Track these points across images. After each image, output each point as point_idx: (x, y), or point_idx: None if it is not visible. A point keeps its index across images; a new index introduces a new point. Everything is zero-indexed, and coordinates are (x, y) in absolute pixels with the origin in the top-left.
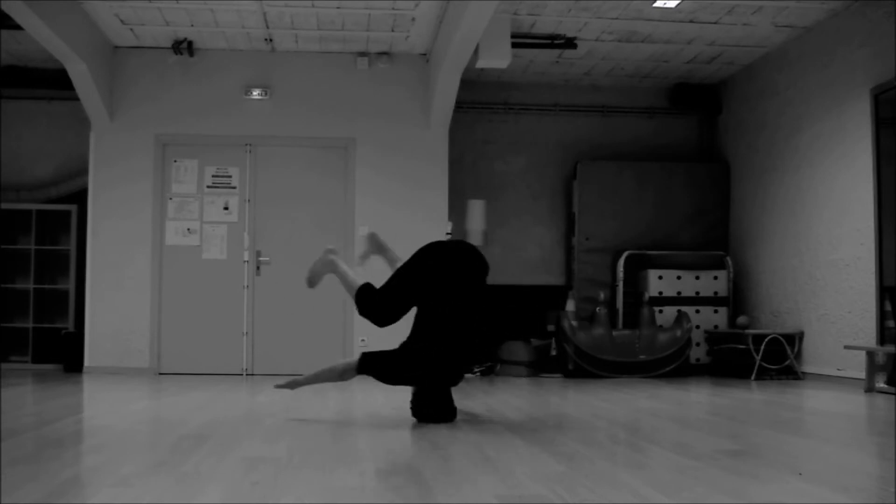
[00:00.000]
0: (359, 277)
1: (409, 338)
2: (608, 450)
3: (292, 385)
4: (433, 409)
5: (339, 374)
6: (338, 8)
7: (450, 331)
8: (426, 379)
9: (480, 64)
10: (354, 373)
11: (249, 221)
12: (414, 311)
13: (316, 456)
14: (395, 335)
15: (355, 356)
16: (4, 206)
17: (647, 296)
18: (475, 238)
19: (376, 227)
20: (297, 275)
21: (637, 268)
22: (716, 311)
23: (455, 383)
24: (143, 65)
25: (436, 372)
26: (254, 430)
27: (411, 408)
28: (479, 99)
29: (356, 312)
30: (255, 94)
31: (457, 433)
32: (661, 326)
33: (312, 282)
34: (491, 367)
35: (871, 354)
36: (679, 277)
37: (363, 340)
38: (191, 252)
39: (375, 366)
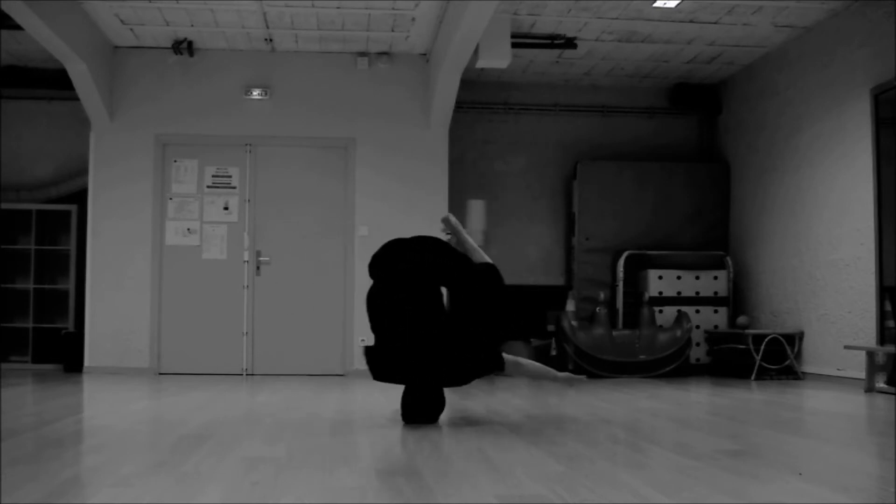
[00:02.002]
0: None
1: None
2: (608, 450)
3: None
4: (410, 406)
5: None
6: (338, 8)
7: (396, 330)
8: (393, 377)
9: (480, 64)
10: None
11: (249, 221)
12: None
13: (316, 456)
14: None
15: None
16: (4, 206)
17: (647, 296)
18: (475, 238)
19: (376, 227)
20: (298, 275)
21: (637, 268)
22: (716, 311)
23: (453, 384)
24: (143, 65)
25: (393, 370)
26: (254, 430)
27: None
28: (479, 99)
29: (356, 314)
30: (255, 94)
31: (457, 433)
32: (661, 326)
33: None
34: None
35: (871, 354)
36: (679, 277)
37: (363, 340)
38: (191, 252)
39: (367, 359)
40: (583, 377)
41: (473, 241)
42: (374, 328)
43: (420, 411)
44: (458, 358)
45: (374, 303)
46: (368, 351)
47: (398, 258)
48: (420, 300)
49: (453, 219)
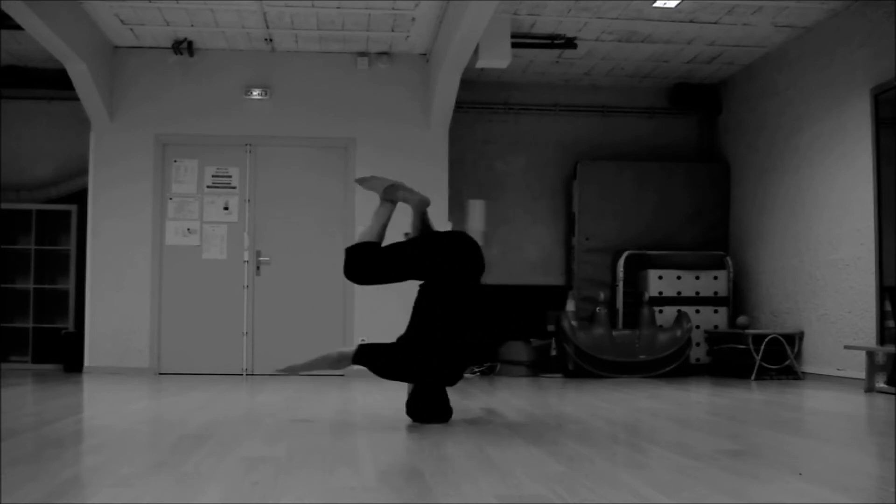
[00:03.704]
0: (377, 234)
1: (405, 332)
2: (608, 450)
3: (289, 371)
4: (427, 407)
5: (335, 363)
6: (338, 8)
7: (444, 328)
8: (420, 376)
9: (480, 64)
10: (349, 362)
11: (249, 221)
12: (410, 305)
13: (316, 456)
14: (395, 334)
15: (353, 346)
16: (4, 206)
17: (647, 296)
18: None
19: None
20: (298, 275)
21: (637, 268)
22: (716, 311)
23: (451, 383)
24: (143, 65)
25: (430, 369)
26: (254, 430)
27: (407, 406)
28: (479, 99)
29: (356, 314)
30: (255, 94)
31: (457, 433)
32: (661, 326)
33: (363, 182)
34: (491, 367)
35: (871, 354)
36: (679, 277)
37: (363, 340)
38: (191, 252)
39: (371, 358)
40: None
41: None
42: (423, 323)
43: (437, 411)
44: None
45: (440, 298)
46: (373, 350)
47: (467, 256)
48: (464, 302)
49: (361, 184)
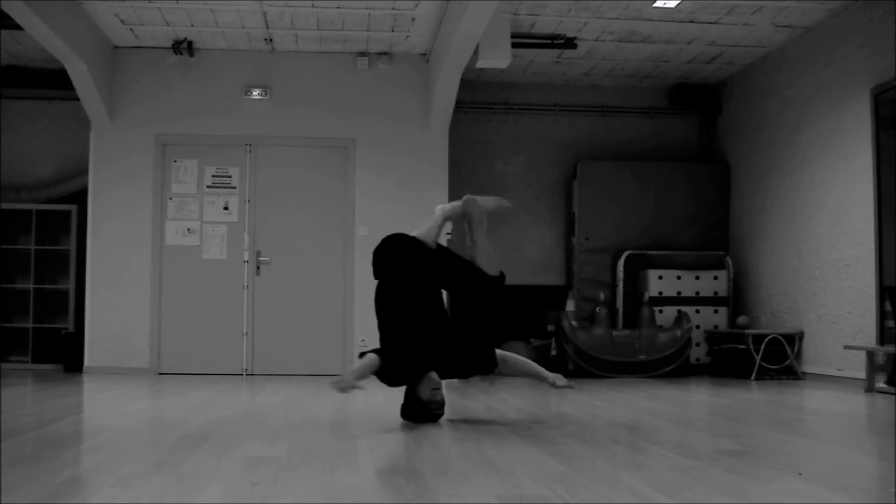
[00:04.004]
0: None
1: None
2: (608, 450)
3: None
4: (404, 404)
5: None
6: (338, 8)
7: (396, 331)
8: (404, 380)
9: (480, 64)
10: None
11: (249, 221)
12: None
13: (316, 456)
14: None
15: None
16: (4, 206)
17: (647, 296)
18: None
19: (376, 227)
20: (298, 275)
21: (637, 268)
22: (716, 311)
23: (456, 376)
24: (143, 65)
25: (405, 373)
26: (254, 430)
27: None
28: (479, 99)
29: (356, 314)
30: (255, 94)
31: (457, 433)
32: (661, 326)
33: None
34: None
35: (871, 354)
36: (679, 277)
37: (363, 340)
38: (191, 252)
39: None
40: (571, 385)
41: (486, 241)
42: (382, 327)
43: (421, 411)
44: (459, 353)
45: (384, 302)
46: (382, 359)
47: (405, 257)
48: (426, 298)
49: (479, 202)
